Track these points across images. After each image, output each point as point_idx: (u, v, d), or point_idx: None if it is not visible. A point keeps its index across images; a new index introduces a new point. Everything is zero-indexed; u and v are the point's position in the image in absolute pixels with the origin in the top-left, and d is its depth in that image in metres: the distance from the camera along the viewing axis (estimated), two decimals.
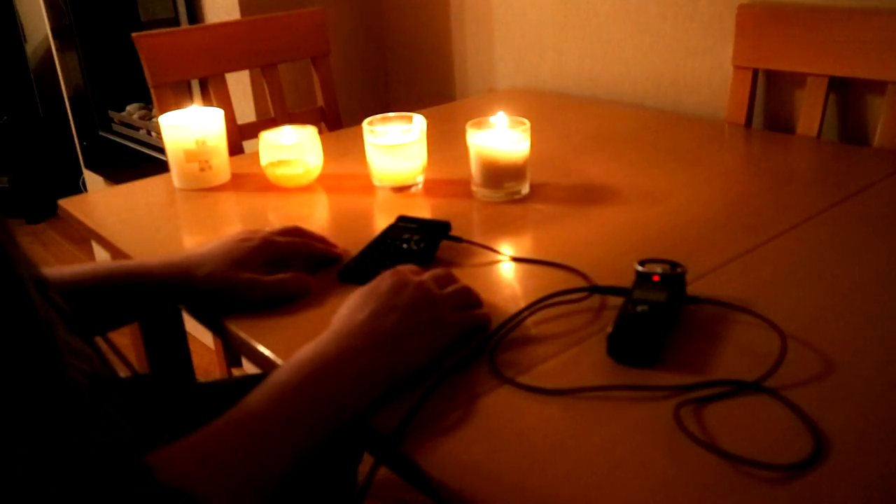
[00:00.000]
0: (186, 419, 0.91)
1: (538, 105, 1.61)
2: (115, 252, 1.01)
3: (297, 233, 0.90)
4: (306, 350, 0.64)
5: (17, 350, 0.48)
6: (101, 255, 2.54)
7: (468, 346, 0.71)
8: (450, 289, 0.74)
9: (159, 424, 0.84)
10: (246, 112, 1.85)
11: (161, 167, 1.29)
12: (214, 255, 0.82)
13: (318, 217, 1.07)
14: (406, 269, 0.74)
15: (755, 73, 1.35)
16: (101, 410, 0.57)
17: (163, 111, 1.36)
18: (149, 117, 2.41)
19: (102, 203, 1.18)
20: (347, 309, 0.69)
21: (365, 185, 1.15)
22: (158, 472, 0.51)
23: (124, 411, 0.61)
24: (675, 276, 0.75)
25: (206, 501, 0.52)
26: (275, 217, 1.08)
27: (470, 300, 0.76)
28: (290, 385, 0.60)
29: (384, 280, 0.71)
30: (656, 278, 0.75)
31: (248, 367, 1.60)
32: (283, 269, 0.85)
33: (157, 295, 0.83)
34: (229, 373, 1.61)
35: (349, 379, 0.62)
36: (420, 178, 1.13)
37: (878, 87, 1.23)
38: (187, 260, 0.82)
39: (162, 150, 1.62)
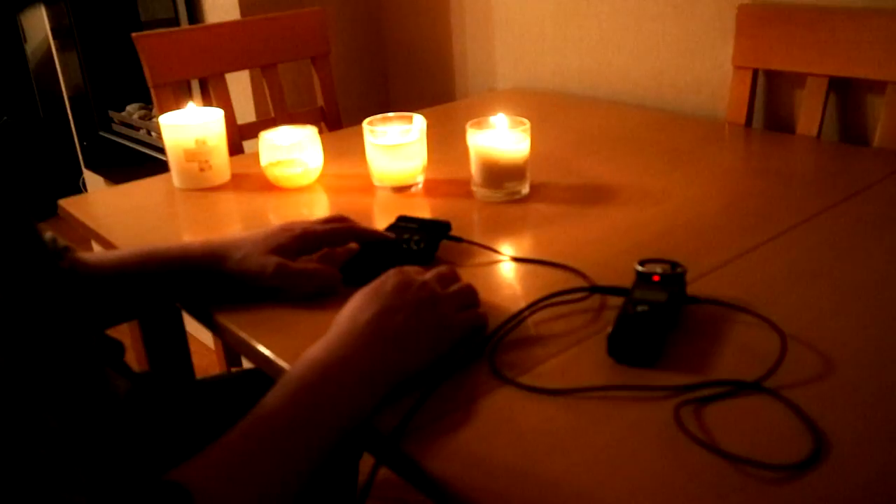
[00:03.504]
0: (187, 417, 0.91)
1: (538, 105, 1.61)
2: None
3: (340, 220, 0.89)
4: (313, 353, 0.64)
5: (75, 370, 0.49)
6: None
7: (467, 346, 0.71)
8: (453, 288, 0.74)
9: (161, 423, 0.84)
10: (246, 112, 1.85)
11: (161, 167, 1.29)
12: (253, 239, 0.82)
13: (318, 217, 1.06)
14: (410, 268, 0.74)
15: (755, 73, 1.35)
16: (137, 425, 0.58)
17: (163, 111, 1.36)
18: (149, 117, 2.41)
19: (102, 203, 1.18)
20: (351, 309, 0.69)
21: (365, 185, 1.15)
22: (194, 493, 0.51)
23: (154, 426, 0.61)
24: (675, 276, 0.75)
25: None
26: (275, 217, 1.08)
27: (472, 300, 0.76)
28: (304, 391, 0.60)
29: (388, 279, 0.71)
30: (656, 278, 0.75)
31: (248, 367, 1.60)
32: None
33: (195, 277, 0.83)
34: (229, 372, 1.60)
35: (358, 380, 0.62)
36: (420, 178, 1.13)
37: (878, 87, 1.23)
38: (226, 243, 0.83)
39: (162, 150, 1.62)
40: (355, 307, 0.69)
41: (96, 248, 1.16)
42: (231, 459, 0.55)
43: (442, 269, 0.77)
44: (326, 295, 0.81)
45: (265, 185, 1.17)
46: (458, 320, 0.71)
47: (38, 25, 3.18)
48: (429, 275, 0.74)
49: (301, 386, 0.60)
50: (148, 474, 0.51)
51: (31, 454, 0.43)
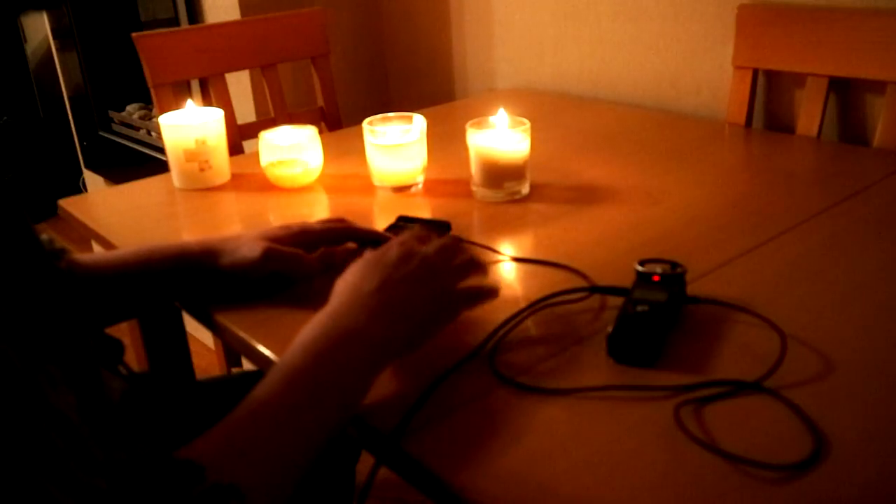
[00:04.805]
0: (186, 418, 0.91)
1: (538, 105, 1.61)
2: None
3: (338, 221, 0.89)
4: (317, 324, 0.63)
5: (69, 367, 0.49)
6: None
7: (470, 345, 0.71)
8: (456, 261, 0.72)
9: (159, 423, 0.84)
10: (246, 112, 1.85)
11: (161, 167, 1.29)
12: (249, 235, 0.82)
13: (318, 217, 1.06)
14: (411, 239, 0.72)
15: (755, 73, 1.35)
16: (133, 426, 0.58)
17: (163, 111, 1.36)
18: (149, 117, 2.41)
19: (102, 203, 1.18)
20: (353, 276, 0.68)
21: (365, 185, 1.15)
22: (207, 469, 0.50)
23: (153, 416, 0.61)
24: (675, 276, 0.75)
25: (252, 493, 0.51)
26: (275, 217, 1.08)
27: (475, 270, 0.74)
28: (308, 365, 0.59)
29: (390, 249, 0.70)
30: (656, 278, 0.75)
31: (249, 368, 1.60)
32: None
33: (193, 275, 0.83)
34: (229, 373, 1.60)
35: (367, 351, 0.62)
36: (420, 178, 1.13)
37: (878, 87, 1.23)
38: (222, 239, 0.83)
39: (162, 150, 1.62)
40: (358, 275, 0.67)
41: (96, 248, 1.16)
42: (242, 437, 0.54)
43: (444, 240, 0.74)
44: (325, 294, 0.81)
45: (265, 185, 1.17)
46: (461, 292, 0.70)
47: (38, 26, 3.18)
48: (431, 247, 0.72)
49: (307, 361, 0.59)
50: (157, 455, 0.51)
51: (47, 439, 0.43)
